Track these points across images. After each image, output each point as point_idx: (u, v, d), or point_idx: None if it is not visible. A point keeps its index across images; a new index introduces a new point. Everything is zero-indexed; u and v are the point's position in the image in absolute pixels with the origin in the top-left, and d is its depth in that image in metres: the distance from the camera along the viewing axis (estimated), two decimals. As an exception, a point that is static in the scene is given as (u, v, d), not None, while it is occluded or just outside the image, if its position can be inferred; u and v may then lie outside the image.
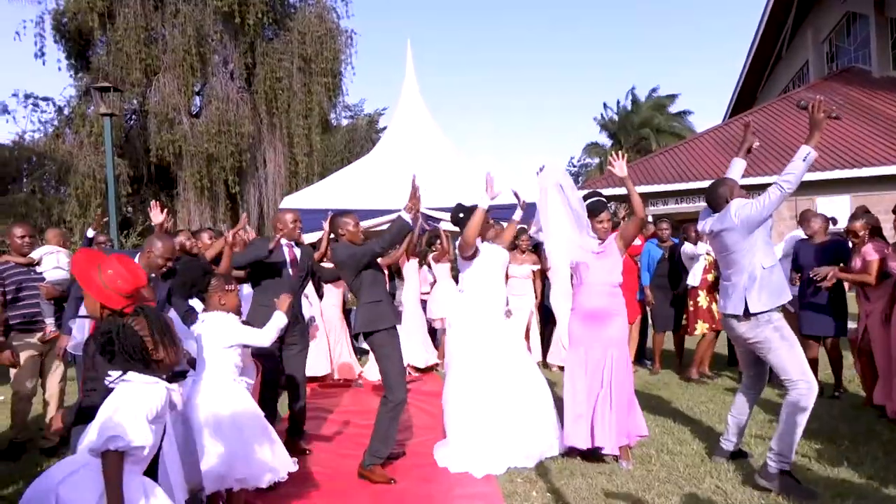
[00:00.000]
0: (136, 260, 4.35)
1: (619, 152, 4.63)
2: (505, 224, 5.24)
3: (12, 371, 5.23)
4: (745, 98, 28.68)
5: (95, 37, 18.37)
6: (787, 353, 3.89)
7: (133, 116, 19.84)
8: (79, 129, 18.59)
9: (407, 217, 4.33)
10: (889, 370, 5.12)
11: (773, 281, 3.95)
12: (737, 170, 4.46)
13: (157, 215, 4.98)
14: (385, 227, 9.28)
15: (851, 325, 6.16)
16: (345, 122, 24.63)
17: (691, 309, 7.18)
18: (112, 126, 12.48)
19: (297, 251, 5.07)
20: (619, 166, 4.49)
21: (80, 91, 19.14)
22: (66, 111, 19.70)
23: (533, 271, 8.11)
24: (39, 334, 5.25)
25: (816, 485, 3.91)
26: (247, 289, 5.21)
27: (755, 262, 3.96)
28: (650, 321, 7.97)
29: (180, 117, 18.22)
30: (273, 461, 3.65)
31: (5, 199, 17.72)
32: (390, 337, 4.43)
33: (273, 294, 4.77)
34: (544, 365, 7.96)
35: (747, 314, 3.94)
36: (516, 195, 5.08)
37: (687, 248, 7.12)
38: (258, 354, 4.72)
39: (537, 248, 7.95)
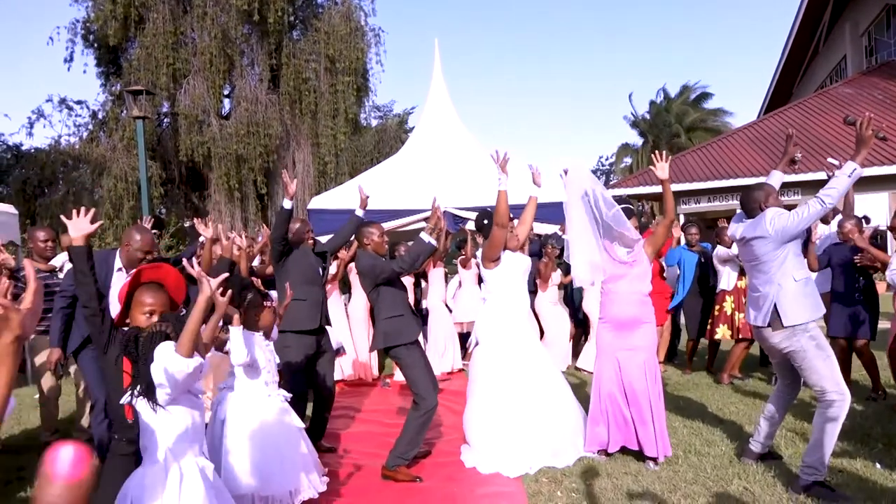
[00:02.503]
0: (117, 255, 4.26)
1: (663, 153, 4.59)
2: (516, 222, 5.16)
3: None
4: (781, 94, 28.14)
5: (125, 42, 18.74)
6: (821, 363, 3.78)
7: (165, 119, 20.21)
8: (112, 133, 18.98)
9: (427, 238, 4.33)
10: None
11: (807, 293, 3.85)
12: (775, 181, 4.37)
13: (206, 230, 4.54)
14: (413, 227, 9.33)
15: (885, 325, 6.01)
16: (374, 122, 24.74)
17: (716, 313, 7.08)
18: (144, 129, 12.71)
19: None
20: (662, 168, 4.47)
21: (114, 95, 19.55)
22: (99, 115, 20.13)
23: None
24: None
25: (847, 488, 3.82)
26: None
27: (786, 274, 3.85)
28: (683, 326, 7.87)
29: (209, 119, 18.51)
30: (301, 480, 3.69)
31: (42, 202, 18.17)
32: (410, 350, 4.42)
33: (301, 293, 4.83)
34: (575, 369, 7.91)
35: (780, 325, 3.83)
36: (532, 168, 4.93)
37: (720, 251, 6.99)
38: (285, 367, 4.77)
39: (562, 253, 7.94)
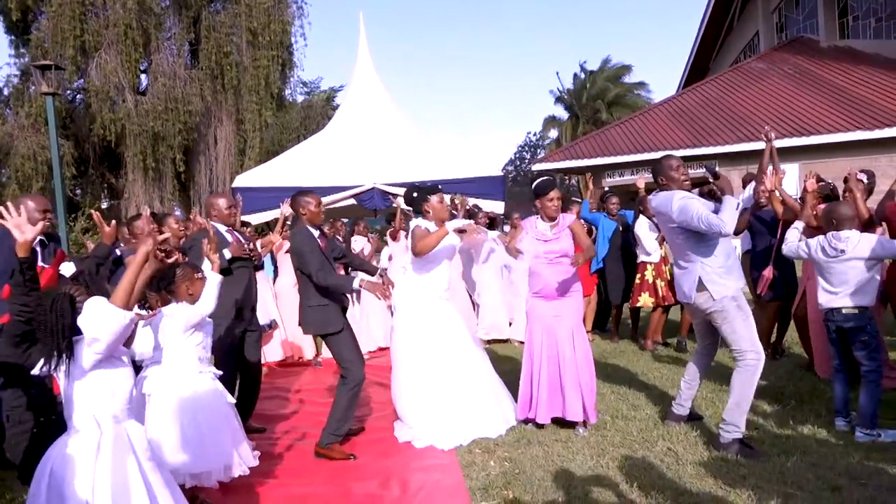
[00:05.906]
0: None
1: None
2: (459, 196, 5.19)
3: None
4: (698, 68, 28.98)
5: (34, 12, 17.64)
6: (740, 323, 3.96)
7: (78, 95, 19.18)
8: (19, 110, 17.91)
9: (356, 284, 4.22)
10: (819, 332, 5.25)
11: (729, 267, 4.00)
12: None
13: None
14: (341, 204, 9.23)
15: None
16: (300, 98, 24.22)
17: (637, 281, 7.28)
18: (55, 106, 12.03)
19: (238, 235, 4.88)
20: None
21: (20, 69, 18.44)
22: (5, 91, 18.96)
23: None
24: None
25: (763, 443, 4.04)
26: None
27: (704, 251, 3.99)
28: (608, 294, 8.06)
29: (123, 95, 17.65)
30: (233, 455, 3.62)
31: (-57, 183, 17.09)
32: (338, 333, 4.39)
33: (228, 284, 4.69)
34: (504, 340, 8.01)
35: (705, 289, 3.97)
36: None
37: (647, 222, 7.15)
38: (215, 345, 4.64)
39: (493, 224, 8.05)
